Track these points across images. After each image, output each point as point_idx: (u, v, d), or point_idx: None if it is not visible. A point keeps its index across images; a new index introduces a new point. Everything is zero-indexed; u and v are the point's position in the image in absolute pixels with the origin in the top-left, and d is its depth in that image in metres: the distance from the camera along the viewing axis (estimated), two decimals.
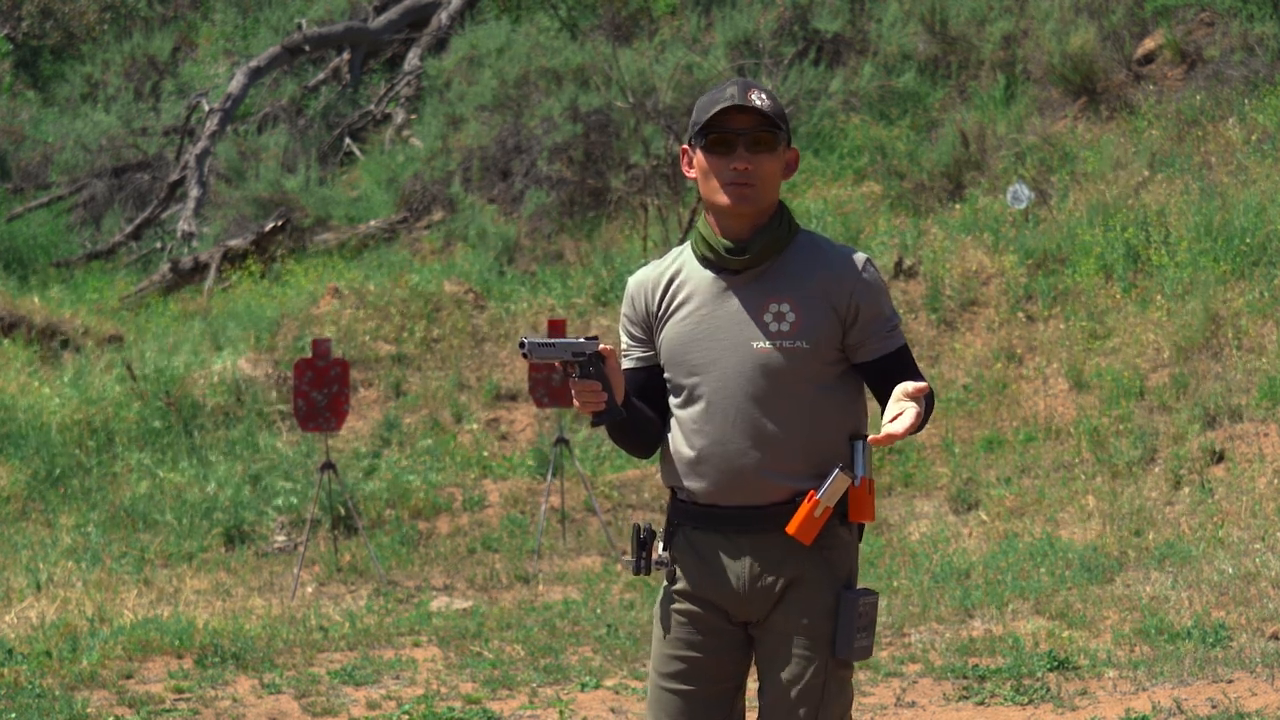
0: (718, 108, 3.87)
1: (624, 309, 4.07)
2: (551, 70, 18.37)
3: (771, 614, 3.90)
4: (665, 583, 4.01)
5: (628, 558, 4.05)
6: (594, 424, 3.89)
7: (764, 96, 3.88)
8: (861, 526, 3.98)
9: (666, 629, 3.98)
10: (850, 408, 3.95)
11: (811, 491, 3.83)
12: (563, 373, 3.89)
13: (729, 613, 3.94)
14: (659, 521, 11.33)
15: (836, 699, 3.89)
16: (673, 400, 3.97)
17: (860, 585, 3.96)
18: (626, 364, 4.04)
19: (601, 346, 3.87)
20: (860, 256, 3.93)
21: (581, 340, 3.87)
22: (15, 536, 12.31)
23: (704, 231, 3.95)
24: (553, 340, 3.86)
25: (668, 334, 3.96)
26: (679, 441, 3.94)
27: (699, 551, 3.94)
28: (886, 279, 14.27)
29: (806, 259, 3.92)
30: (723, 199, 3.89)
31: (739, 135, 3.88)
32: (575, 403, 3.86)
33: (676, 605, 3.97)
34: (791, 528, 3.82)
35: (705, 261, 3.95)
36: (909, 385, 3.80)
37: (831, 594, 3.88)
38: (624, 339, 4.07)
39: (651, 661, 4.03)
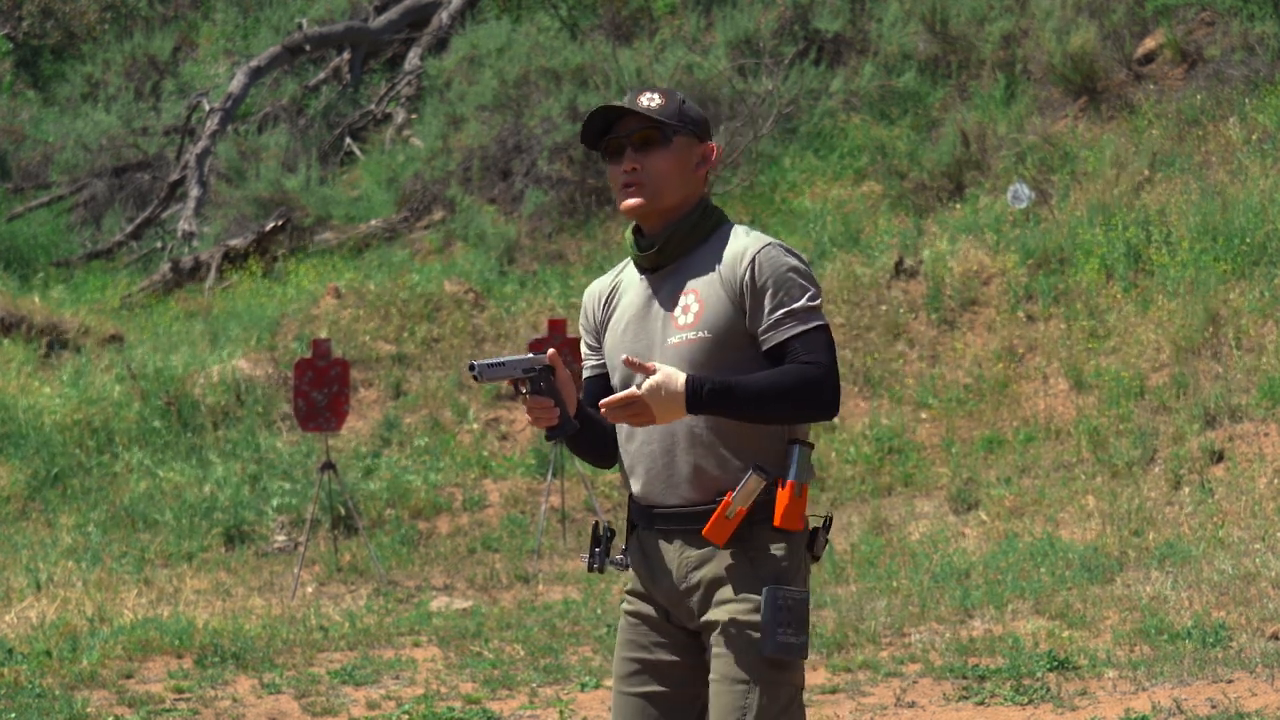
0: (597, 118, 3.90)
1: (580, 319, 4.10)
2: (551, 70, 18.37)
3: (703, 619, 3.85)
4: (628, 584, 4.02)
5: (584, 555, 4.04)
6: (547, 438, 3.88)
7: (655, 98, 3.89)
8: (811, 535, 3.87)
9: (624, 632, 3.96)
10: None
11: (729, 492, 3.79)
12: (514, 390, 3.88)
13: (672, 613, 3.91)
14: None
15: (769, 707, 3.77)
16: None
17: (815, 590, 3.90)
18: (587, 373, 4.06)
19: (550, 354, 3.86)
20: (760, 242, 3.86)
21: (530, 356, 3.87)
22: (15, 536, 12.31)
23: (628, 235, 3.99)
24: (502, 360, 3.85)
25: (606, 340, 4.00)
26: (620, 443, 3.96)
27: (645, 551, 3.93)
28: (886, 279, 14.27)
29: (714, 250, 3.90)
30: (620, 201, 3.92)
31: (625, 138, 3.89)
32: (527, 418, 3.85)
33: (629, 606, 3.97)
34: (706, 529, 3.79)
35: (636, 265, 3.99)
36: (661, 372, 3.73)
37: (755, 594, 3.79)
38: (583, 348, 4.10)
39: (614, 664, 4.01)
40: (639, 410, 3.73)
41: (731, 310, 3.83)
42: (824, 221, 15.49)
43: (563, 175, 17.29)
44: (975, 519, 11.23)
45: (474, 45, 19.66)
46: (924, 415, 13.12)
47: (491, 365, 3.84)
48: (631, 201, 3.89)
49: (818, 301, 3.83)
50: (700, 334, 3.83)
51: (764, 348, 3.82)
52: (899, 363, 13.74)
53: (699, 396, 3.72)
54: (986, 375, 13.18)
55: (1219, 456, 11.04)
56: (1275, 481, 10.53)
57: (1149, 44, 16.02)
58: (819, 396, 3.76)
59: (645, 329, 3.91)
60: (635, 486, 3.92)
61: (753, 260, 3.83)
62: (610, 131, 3.92)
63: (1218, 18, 15.77)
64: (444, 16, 20.80)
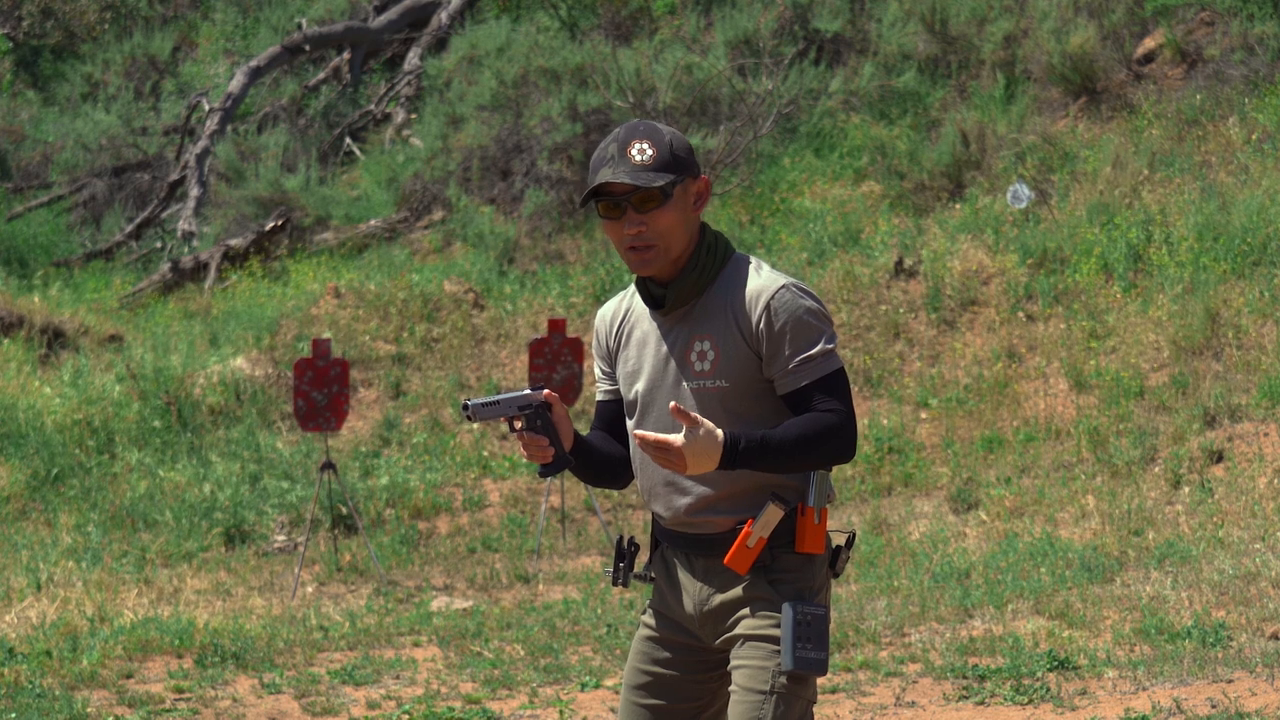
0: (595, 180, 3.82)
1: (593, 343, 4.09)
2: (551, 70, 18.36)
3: (725, 637, 3.89)
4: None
5: (608, 568, 4.07)
6: (541, 475, 3.87)
7: (645, 149, 3.81)
8: (835, 553, 3.92)
9: (638, 642, 4.01)
10: None
11: (749, 521, 3.82)
12: (510, 428, 3.85)
13: (691, 633, 3.95)
14: None
15: (782, 716, 3.81)
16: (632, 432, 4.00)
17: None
18: (599, 396, 4.07)
19: (546, 393, 3.84)
20: (776, 284, 3.82)
21: (526, 393, 3.84)
22: (15, 536, 12.31)
23: (635, 280, 3.96)
24: (497, 398, 3.84)
25: (619, 372, 3.99)
26: (638, 465, 3.96)
27: (668, 570, 3.97)
28: (886, 279, 14.27)
29: (726, 292, 3.86)
30: (629, 262, 3.88)
31: (624, 198, 3.82)
32: (523, 454, 3.83)
33: (648, 620, 4.01)
34: (727, 558, 3.83)
35: (644, 299, 3.95)
36: (704, 427, 3.71)
37: (776, 611, 3.83)
38: (597, 372, 4.09)
39: (625, 669, 4.06)
40: (673, 458, 3.74)
41: (749, 356, 3.83)
42: (824, 221, 15.49)
43: (563, 175, 17.29)
44: (975, 519, 11.23)
45: (473, 45, 19.65)
46: (924, 415, 13.12)
47: (486, 405, 3.83)
48: (646, 268, 3.84)
49: (834, 344, 3.82)
50: (718, 383, 3.83)
51: (781, 392, 3.83)
52: (899, 363, 13.74)
53: (735, 453, 3.74)
54: (986, 375, 13.18)
55: (1219, 456, 11.04)
56: (1275, 481, 10.53)
57: (1149, 44, 16.02)
58: (841, 443, 3.79)
59: (659, 370, 3.90)
60: (657, 508, 3.94)
61: (768, 306, 3.81)
62: (603, 189, 3.83)
63: (1218, 18, 15.77)
64: (444, 16, 20.80)
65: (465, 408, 3.82)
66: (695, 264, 3.86)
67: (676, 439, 3.72)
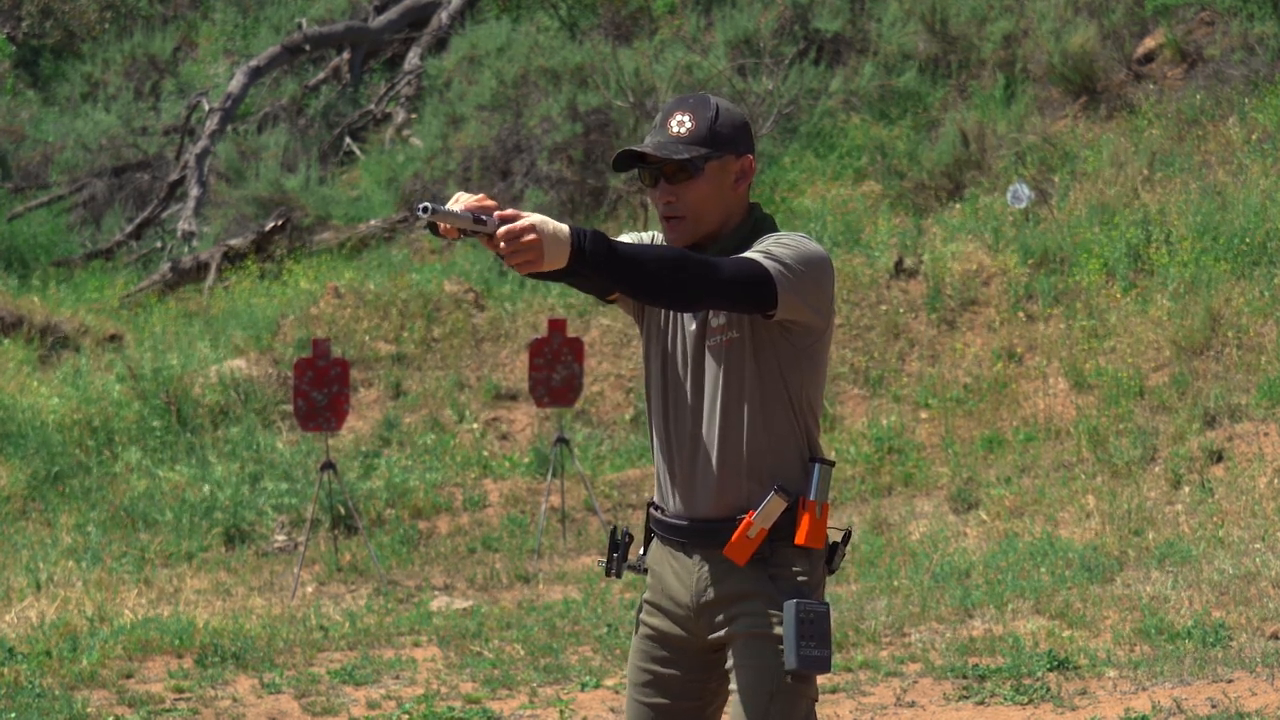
0: (636, 146, 3.83)
1: None
2: (551, 70, 18.37)
3: (722, 633, 3.85)
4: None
5: (601, 559, 4.03)
6: (532, 276, 3.66)
7: (685, 121, 3.82)
8: (831, 550, 3.89)
9: (637, 640, 3.98)
10: (800, 421, 3.86)
11: (751, 512, 3.80)
12: (470, 233, 3.61)
13: (685, 627, 3.91)
14: None
15: (786, 715, 3.80)
16: (649, 412, 3.98)
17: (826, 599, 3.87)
18: None
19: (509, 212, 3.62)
20: (781, 233, 3.83)
21: (482, 211, 3.61)
22: (15, 536, 12.31)
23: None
24: (456, 211, 3.59)
25: (645, 342, 3.96)
26: (653, 450, 3.95)
27: (663, 563, 3.94)
28: (886, 279, 14.27)
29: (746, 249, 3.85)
30: (663, 230, 3.88)
31: (658, 167, 3.83)
32: (510, 265, 3.57)
33: (645, 616, 3.97)
34: (727, 548, 3.80)
35: None
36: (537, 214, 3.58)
37: (776, 609, 3.79)
38: None
39: (628, 667, 4.04)
40: (529, 245, 3.55)
41: None
42: (824, 221, 15.49)
43: (563, 175, 17.29)
44: (975, 519, 11.23)
45: (474, 45, 19.66)
46: (924, 415, 13.12)
47: (448, 211, 3.59)
48: (677, 238, 3.84)
49: (788, 263, 3.73)
50: (731, 334, 3.81)
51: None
52: (899, 363, 13.74)
53: (582, 238, 3.58)
54: (986, 375, 13.18)
55: (1219, 456, 11.04)
56: (1275, 481, 10.53)
57: (1149, 44, 16.02)
58: (695, 277, 3.66)
59: (681, 339, 3.88)
60: (658, 497, 3.92)
61: (766, 236, 3.82)
62: (645, 158, 3.84)
63: (1218, 18, 15.77)
64: (444, 16, 20.80)
65: (425, 209, 3.58)
66: (736, 237, 3.85)
67: (533, 218, 3.55)
